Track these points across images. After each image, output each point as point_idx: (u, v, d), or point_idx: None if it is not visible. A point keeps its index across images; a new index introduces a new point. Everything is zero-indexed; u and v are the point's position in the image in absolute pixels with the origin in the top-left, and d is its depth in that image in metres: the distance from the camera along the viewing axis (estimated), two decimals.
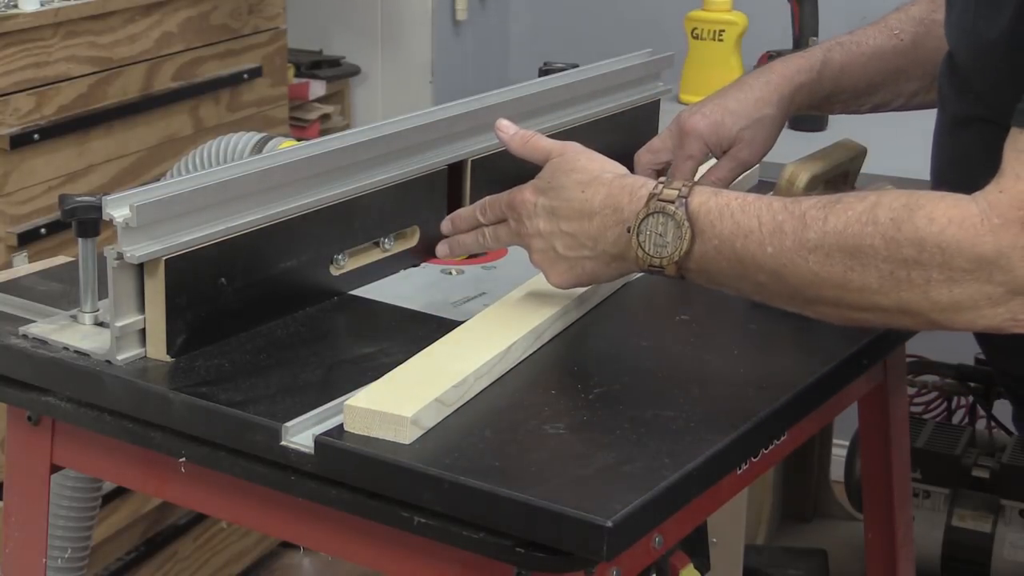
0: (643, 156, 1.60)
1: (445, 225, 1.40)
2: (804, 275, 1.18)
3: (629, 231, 1.24)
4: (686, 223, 1.21)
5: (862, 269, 1.15)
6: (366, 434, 1.15)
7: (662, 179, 1.25)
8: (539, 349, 1.32)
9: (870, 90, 1.64)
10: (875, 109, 1.67)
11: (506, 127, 1.39)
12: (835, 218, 1.16)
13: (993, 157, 1.18)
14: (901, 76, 1.63)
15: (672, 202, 1.22)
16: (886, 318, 1.18)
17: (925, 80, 1.62)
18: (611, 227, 1.26)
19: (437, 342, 1.28)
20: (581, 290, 1.38)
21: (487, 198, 1.36)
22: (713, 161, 1.62)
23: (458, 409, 1.20)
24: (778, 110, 1.60)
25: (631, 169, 1.61)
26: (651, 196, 1.23)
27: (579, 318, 1.38)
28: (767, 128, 1.58)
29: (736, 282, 1.23)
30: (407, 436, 1.14)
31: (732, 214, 1.21)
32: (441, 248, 1.41)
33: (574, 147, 1.33)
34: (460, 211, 1.40)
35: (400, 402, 1.16)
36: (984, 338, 1.47)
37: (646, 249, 1.23)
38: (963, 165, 1.38)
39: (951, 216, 1.13)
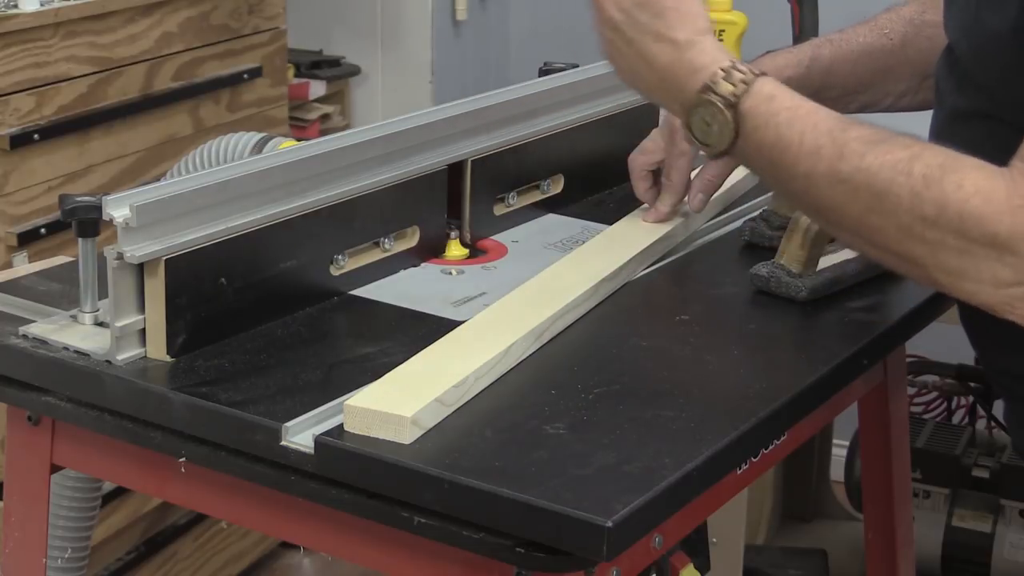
0: (636, 159, 1.60)
1: None
2: (827, 202, 1.21)
3: (682, 107, 1.28)
4: (731, 123, 1.25)
5: (881, 214, 1.18)
6: (366, 434, 1.15)
7: (725, 62, 1.26)
8: (539, 349, 1.32)
9: (859, 88, 1.64)
10: (863, 109, 1.67)
11: None
12: (872, 158, 1.18)
13: (993, 152, 1.18)
14: (890, 75, 1.63)
15: (724, 98, 1.25)
16: (893, 262, 1.21)
17: (914, 80, 1.62)
18: (668, 93, 1.30)
19: (437, 342, 1.28)
20: (581, 290, 1.38)
21: None
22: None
23: (458, 409, 1.20)
24: None
25: (623, 171, 1.62)
26: (706, 87, 1.26)
27: (579, 318, 1.38)
28: None
29: (771, 183, 1.29)
30: (407, 436, 1.14)
31: (777, 125, 1.23)
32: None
33: None
34: None
35: (400, 402, 1.16)
36: (977, 334, 1.46)
37: (693, 131, 1.27)
38: None
39: (979, 187, 1.14)
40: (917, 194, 1.16)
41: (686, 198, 1.57)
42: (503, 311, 1.34)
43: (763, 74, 1.27)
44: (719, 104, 1.24)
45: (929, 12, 1.61)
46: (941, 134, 1.43)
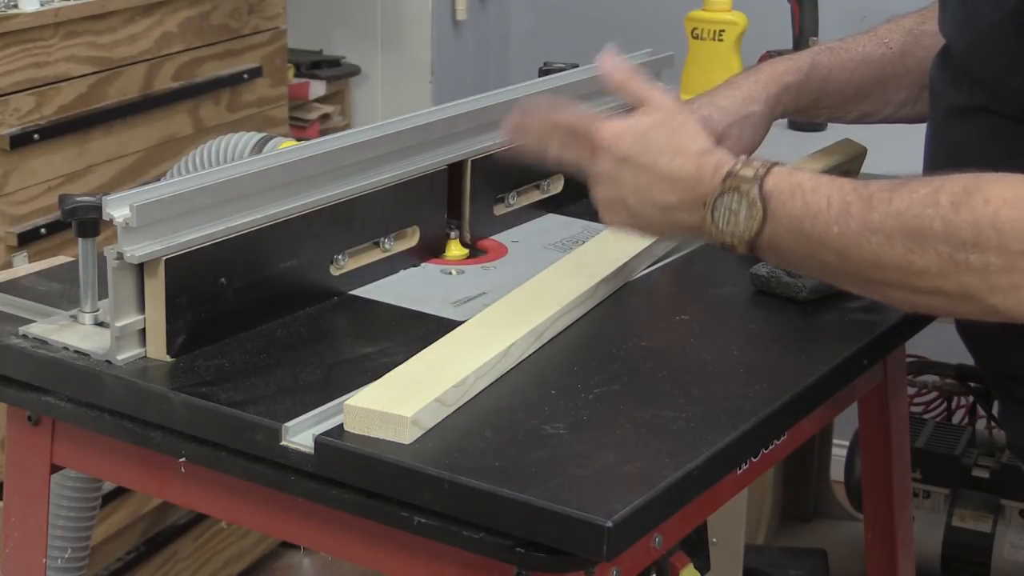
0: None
1: (513, 116, 1.36)
2: (868, 256, 1.19)
3: (704, 206, 1.25)
4: (759, 203, 1.23)
5: (922, 252, 1.16)
6: (366, 434, 1.15)
7: (743, 157, 1.26)
8: (539, 349, 1.32)
9: (857, 96, 1.64)
10: (862, 118, 1.67)
11: (608, 59, 1.35)
12: (899, 200, 1.17)
13: (990, 146, 1.18)
14: (889, 84, 1.63)
15: (748, 181, 1.23)
16: (949, 304, 1.18)
17: (913, 90, 1.63)
18: (689, 201, 1.26)
19: (437, 342, 1.28)
20: (581, 290, 1.38)
21: (566, 114, 1.34)
22: None
23: (458, 409, 1.20)
24: (765, 108, 1.60)
25: None
26: (728, 174, 1.24)
27: (579, 318, 1.38)
28: (754, 126, 1.58)
29: (804, 261, 1.24)
30: (407, 436, 1.14)
31: (803, 194, 1.22)
32: (506, 122, 1.37)
33: (672, 105, 1.31)
34: (537, 103, 1.37)
35: (400, 402, 1.16)
36: (973, 336, 1.46)
37: (719, 226, 1.24)
38: (957, 156, 1.38)
39: (1005, 196, 1.13)
40: (950, 221, 1.14)
41: None
42: (503, 311, 1.34)
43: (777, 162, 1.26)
44: (745, 187, 1.23)
45: (928, 22, 1.62)
46: (937, 136, 1.44)
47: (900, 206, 1.17)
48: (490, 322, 1.32)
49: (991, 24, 1.29)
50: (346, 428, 1.16)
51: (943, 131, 1.42)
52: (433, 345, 1.27)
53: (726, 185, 1.24)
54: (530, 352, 1.30)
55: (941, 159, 1.44)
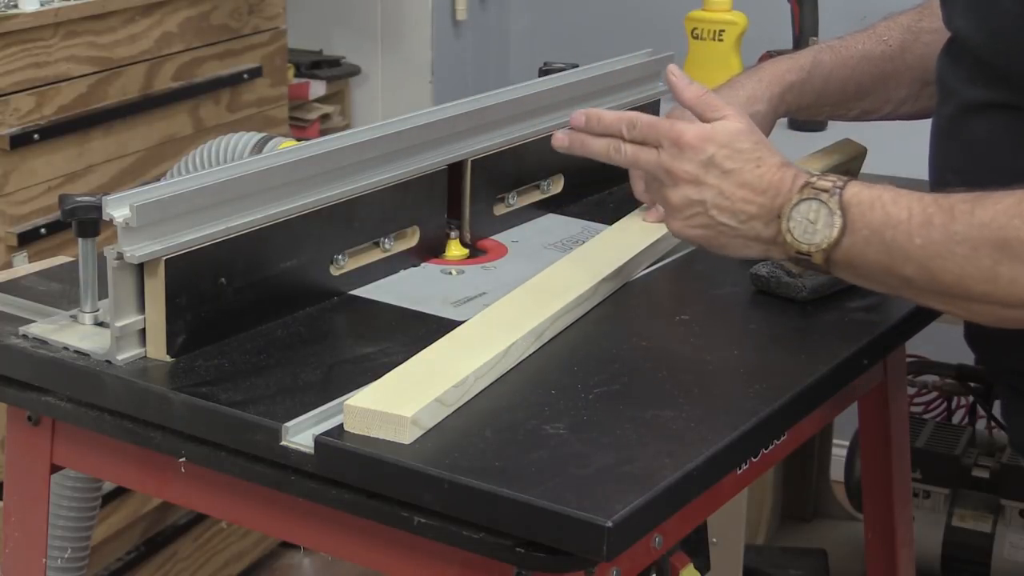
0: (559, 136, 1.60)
1: (577, 118, 1.36)
2: (952, 269, 1.17)
3: (780, 217, 1.25)
4: (838, 211, 1.22)
5: (1010, 263, 1.15)
6: (366, 434, 1.15)
7: (818, 170, 1.25)
8: (539, 349, 1.32)
9: (859, 94, 1.64)
10: (863, 115, 1.67)
11: (679, 74, 1.37)
12: (982, 211, 1.16)
13: (1015, 142, 1.18)
14: (889, 81, 1.63)
15: (826, 191, 1.22)
16: None
17: (914, 87, 1.62)
18: (767, 212, 1.26)
19: (437, 342, 1.28)
20: (581, 290, 1.38)
21: (641, 116, 1.34)
22: None
23: (458, 409, 1.20)
24: (769, 107, 1.60)
25: (623, 171, 1.62)
26: (806, 184, 1.24)
27: (579, 318, 1.38)
28: (758, 125, 1.58)
29: (883, 276, 1.23)
30: (407, 436, 1.14)
31: (883, 205, 1.21)
32: (559, 138, 1.38)
33: (749, 119, 1.32)
34: (601, 112, 1.37)
35: (400, 402, 1.16)
36: (977, 333, 1.46)
37: (795, 235, 1.24)
38: (974, 154, 1.37)
39: None
40: None
41: None
42: (503, 311, 1.34)
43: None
44: (824, 196, 1.22)
45: (926, 19, 1.62)
46: (951, 133, 1.43)
47: (984, 217, 1.16)
48: (490, 322, 1.32)
49: (1014, 17, 1.28)
50: (346, 428, 1.16)
51: (958, 128, 1.41)
52: (433, 345, 1.27)
53: (804, 194, 1.23)
54: (530, 352, 1.30)
55: (956, 157, 1.43)
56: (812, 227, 1.23)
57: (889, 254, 1.20)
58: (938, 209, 1.18)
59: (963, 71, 1.40)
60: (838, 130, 2.27)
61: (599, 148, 1.36)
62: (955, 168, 1.40)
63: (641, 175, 1.59)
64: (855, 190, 1.23)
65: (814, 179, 1.24)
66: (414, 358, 1.24)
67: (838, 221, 1.22)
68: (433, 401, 1.17)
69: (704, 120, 1.32)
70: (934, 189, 1.37)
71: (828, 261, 1.23)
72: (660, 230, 1.55)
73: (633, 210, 1.60)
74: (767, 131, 1.60)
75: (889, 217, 1.20)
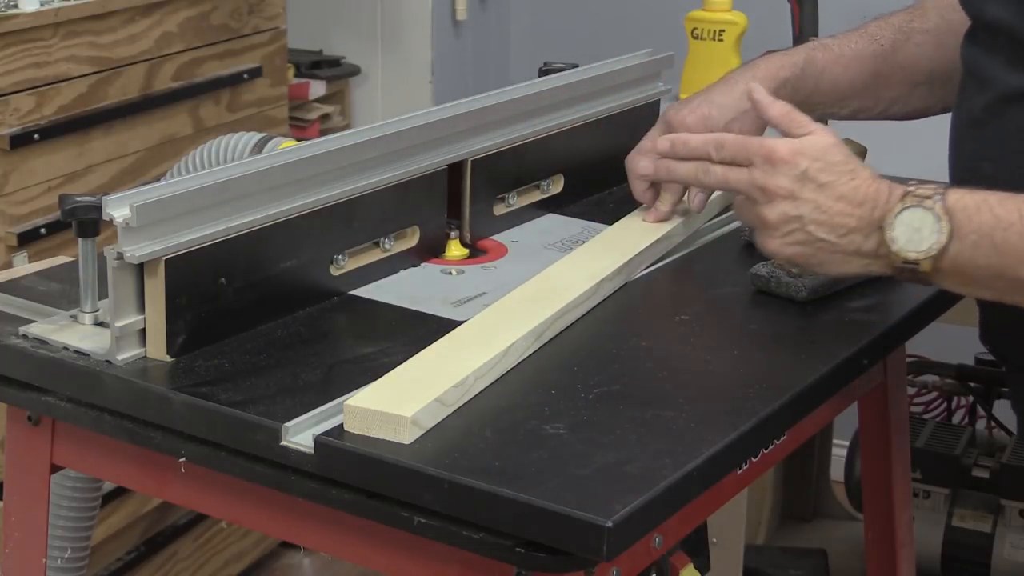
0: (634, 160, 1.60)
1: (663, 144, 1.34)
2: None
3: (882, 228, 1.23)
4: (944, 216, 1.20)
5: None
6: (366, 434, 1.15)
7: (914, 180, 1.24)
8: (539, 349, 1.32)
9: (851, 92, 1.64)
10: (855, 114, 1.66)
11: (762, 93, 1.35)
12: None
13: None
14: (880, 80, 1.63)
15: (928, 197, 1.21)
16: None
17: (904, 87, 1.62)
18: (867, 224, 1.25)
19: (437, 342, 1.28)
20: (581, 290, 1.38)
21: (727, 136, 1.32)
22: None
23: (458, 409, 1.20)
24: None
25: (623, 171, 1.62)
26: (906, 193, 1.23)
27: (579, 318, 1.38)
28: (754, 121, 1.57)
29: (993, 281, 1.21)
30: (407, 436, 1.14)
31: (991, 208, 1.20)
32: (643, 167, 1.36)
33: (835, 134, 1.31)
34: (686, 136, 1.35)
35: (400, 402, 1.16)
36: (995, 327, 1.46)
37: (901, 244, 1.22)
38: (1016, 142, 1.36)
39: None
40: None
41: (685, 197, 1.57)
42: (503, 311, 1.34)
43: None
44: (928, 203, 1.20)
45: (917, 20, 1.61)
46: (985, 122, 1.40)
47: None
48: (490, 322, 1.32)
49: None
50: (346, 428, 1.16)
51: (995, 116, 1.38)
52: (433, 345, 1.27)
53: (906, 202, 1.22)
54: (530, 352, 1.30)
55: (994, 147, 1.41)
56: (918, 235, 1.21)
57: (1000, 256, 1.18)
58: None
59: (1000, 58, 1.38)
60: (838, 129, 2.27)
61: (686, 172, 1.35)
62: (992, 158, 1.38)
63: (640, 176, 1.59)
64: (958, 195, 1.21)
65: (913, 187, 1.23)
66: (414, 358, 1.24)
67: (945, 226, 1.20)
68: (433, 401, 1.17)
69: (791, 137, 1.31)
70: (961, 182, 1.36)
71: (936, 269, 1.21)
72: (660, 230, 1.55)
73: (633, 210, 1.60)
74: (763, 127, 1.60)
75: (998, 220, 1.18)
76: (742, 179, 1.31)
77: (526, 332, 1.30)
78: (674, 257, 1.55)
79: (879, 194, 1.25)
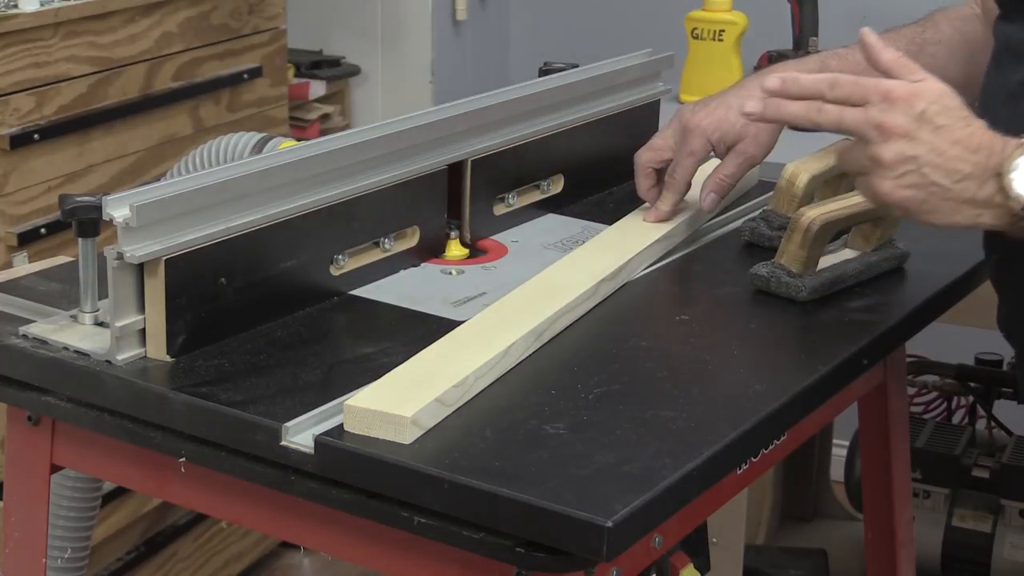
0: (643, 155, 1.60)
1: (772, 83, 1.32)
2: None
3: (999, 175, 1.22)
4: None
5: None
6: (366, 434, 1.15)
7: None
8: (539, 349, 1.32)
9: None
10: None
11: (874, 38, 1.32)
12: None
13: None
14: None
15: None
16: None
17: None
18: (981, 171, 1.23)
19: (437, 342, 1.28)
20: (581, 290, 1.38)
21: (842, 75, 1.30)
22: (713, 162, 1.62)
23: (458, 409, 1.20)
24: None
25: (631, 169, 1.62)
26: (1021, 143, 1.22)
27: (579, 318, 1.38)
28: (768, 129, 1.58)
29: None
30: (407, 436, 1.14)
31: None
32: (751, 107, 1.33)
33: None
34: (797, 75, 1.33)
35: (400, 402, 1.16)
36: (1017, 320, 1.45)
37: (1018, 191, 1.21)
38: None
39: None
40: None
41: (688, 198, 1.58)
42: (503, 311, 1.34)
43: None
44: None
45: (929, 31, 1.61)
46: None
47: None
48: (490, 322, 1.32)
49: None
50: (346, 428, 1.16)
51: None
52: (433, 345, 1.27)
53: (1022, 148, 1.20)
54: (530, 352, 1.30)
55: None
56: None
57: None
58: None
59: None
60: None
61: (797, 110, 1.31)
62: None
63: (646, 173, 1.59)
64: None
65: None
66: (414, 358, 1.24)
67: None
68: (433, 401, 1.17)
69: (906, 77, 1.29)
70: None
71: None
72: (661, 230, 1.55)
73: (633, 210, 1.60)
74: (778, 133, 1.60)
75: None
76: (858, 118, 1.28)
77: (526, 332, 1.30)
78: (674, 257, 1.55)
79: (994, 142, 1.24)
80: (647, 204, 1.59)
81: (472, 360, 1.23)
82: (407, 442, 1.14)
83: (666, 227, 1.56)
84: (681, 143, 1.57)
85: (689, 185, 1.58)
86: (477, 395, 1.22)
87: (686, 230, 1.59)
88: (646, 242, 1.51)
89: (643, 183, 1.58)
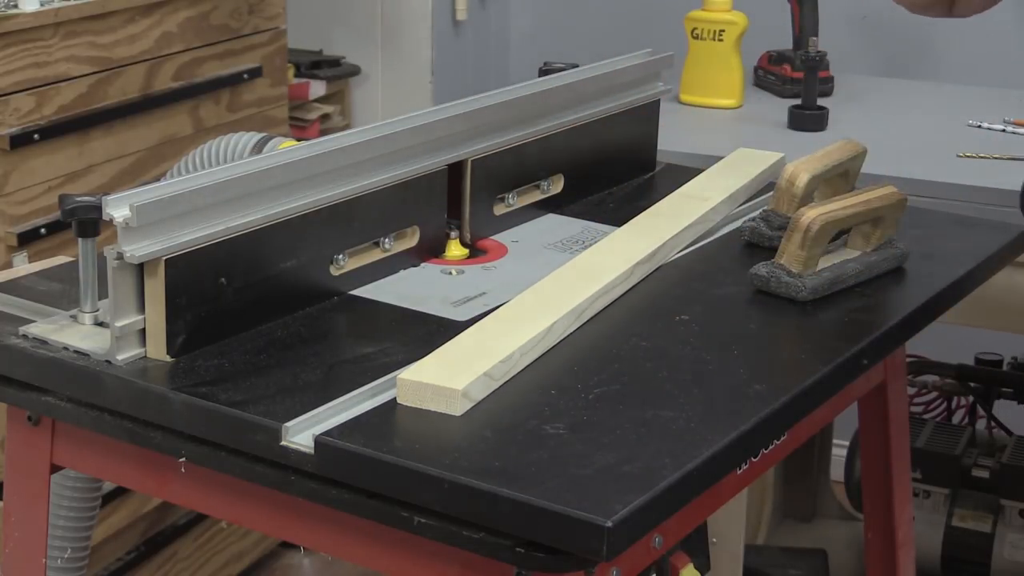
0: None
1: None
2: None
3: None
4: None
5: None
6: (418, 407, 1.18)
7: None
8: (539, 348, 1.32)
9: None
10: None
11: None
12: None
13: None
14: None
15: None
16: None
17: None
18: None
19: (481, 321, 1.31)
20: (621, 270, 1.43)
21: None
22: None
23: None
24: None
25: (631, 169, 1.61)
26: None
27: (611, 303, 1.40)
28: None
29: None
30: (458, 408, 1.18)
31: None
32: None
33: None
34: None
35: (451, 376, 1.20)
36: None
37: None
38: None
39: None
40: None
41: (723, 185, 1.60)
42: (543, 292, 1.38)
43: None
44: None
45: None
46: None
47: None
48: (531, 302, 1.36)
49: None
50: (399, 401, 1.20)
51: None
52: (477, 324, 1.31)
53: None
54: (571, 331, 1.33)
55: None
56: None
57: None
58: None
59: None
60: (838, 130, 2.27)
61: None
62: None
63: None
64: None
65: None
66: (462, 334, 1.28)
67: None
68: (482, 375, 1.21)
69: None
70: None
71: None
72: (693, 215, 1.57)
73: (634, 210, 1.61)
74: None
75: None
76: None
77: (567, 311, 1.33)
78: (674, 257, 1.56)
79: None
80: (674, 193, 1.60)
81: (517, 337, 1.27)
82: (458, 414, 1.18)
83: (698, 211, 1.57)
84: None
85: None
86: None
87: (715, 216, 1.62)
88: (679, 227, 1.54)
89: None
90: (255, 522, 1.32)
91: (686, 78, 2.52)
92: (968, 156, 2.20)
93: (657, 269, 1.49)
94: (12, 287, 1.43)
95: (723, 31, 2.48)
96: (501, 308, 1.34)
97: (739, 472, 1.31)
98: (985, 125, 2.39)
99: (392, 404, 1.21)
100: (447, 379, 1.19)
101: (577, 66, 1.80)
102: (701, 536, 1.67)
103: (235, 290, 1.32)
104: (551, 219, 1.68)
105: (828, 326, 1.41)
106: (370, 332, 1.36)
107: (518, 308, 1.34)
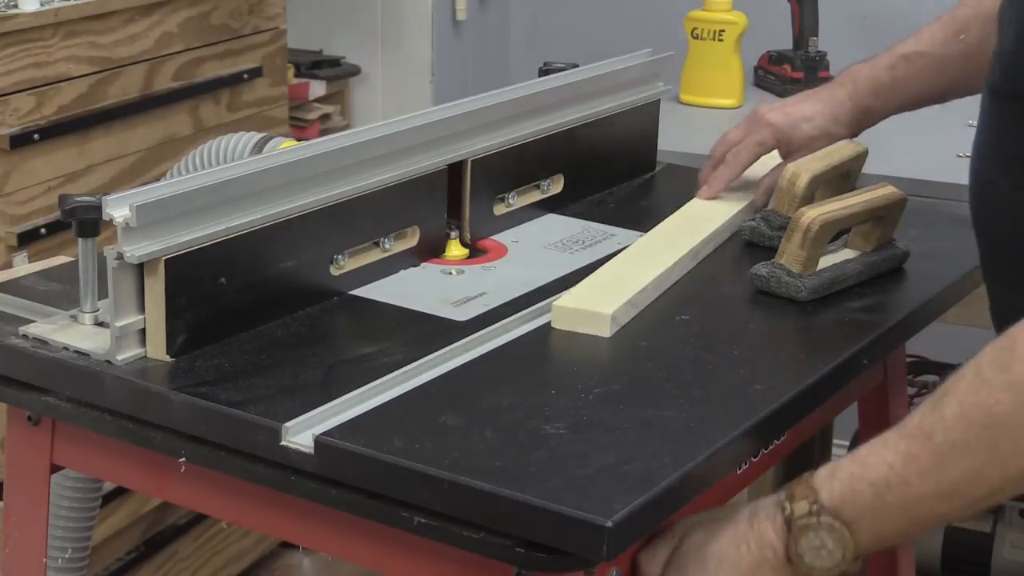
0: (718, 148, 1.67)
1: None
2: (962, 475, 1.06)
3: (791, 561, 1.12)
4: (835, 522, 1.10)
5: (1006, 434, 1.04)
6: (572, 330, 1.34)
7: (775, 497, 1.14)
8: (539, 347, 1.32)
9: (941, 96, 1.66)
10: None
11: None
12: (947, 408, 1.07)
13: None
14: (961, 85, 1.63)
15: (808, 513, 1.11)
16: None
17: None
18: (772, 569, 1.14)
19: (611, 260, 1.48)
20: (726, 217, 1.59)
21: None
22: (775, 154, 1.67)
23: (457, 408, 1.20)
24: (847, 131, 1.65)
25: (631, 169, 1.62)
26: (788, 521, 1.12)
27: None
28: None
29: (913, 528, 1.12)
30: (607, 330, 1.33)
31: (860, 480, 1.10)
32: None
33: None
34: None
35: (600, 303, 1.35)
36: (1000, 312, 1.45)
37: (816, 565, 1.11)
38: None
39: None
40: (1012, 384, 1.03)
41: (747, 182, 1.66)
42: (658, 239, 1.54)
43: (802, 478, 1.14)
44: (812, 521, 1.10)
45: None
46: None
47: (953, 412, 1.06)
48: (650, 246, 1.52)
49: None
50: (553, 326, 1.35)
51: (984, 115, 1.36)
52: (606, 264, 1.47)
53: (795, 529, 1.11)
54: (688, 269, 1.50)
55: None
56: (825, 549, 1.10)
57: (906, 512, 1.09)
58: (907, 439, 1.08)
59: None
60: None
61: None
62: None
63: (715, 161, 1.67)
64: (828, 490, 1.11)
65: (788, 511, 1.12)
66: (600, 269, 1.45)
67: (842, 529, 1.10)
68: (626, 303, 1.37)
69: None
70: None
71: (863, 559, 1.12)
72: (739, 204, 1.65)
73: (634, 210, 1.61)
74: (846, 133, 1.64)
75: (876, 486, 1.09)
76: None
77: (685, 252, 1.50)
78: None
79: (761, 547, 1.13)
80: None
81: (648, 272, 1.44)
82: (607, 335, 1.33)
83: (744, 201, 1.66)
84: (750, 132, 1.65)
85: (744, 169, 1.65)
86: (477, 395, 1.23)
87: (750, 209, 1.67)
88: (735, 209, 1.64)
89: (707, 169, 1.65)
90: (255, 522, 1.32)
91: (686, 78, 2.52)
92: (968, 156, 2.19)
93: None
94: (12, 287, 1.43)
95: (723, 31, 2.48)
96: (626, 250, 1.51)
97: (739, 472, 1.30)
98: None
99: (392, 404, 1.21)
100: (598, 304, 1.36)
101: (577, 66, 1.80)
102: None
103: (235, 290, 1.32)
104: (551, 219, 1.68)
105: (828, 326, 1.41)
106: (370, 332, 1.36)
107: (640, 250, 1.51)
